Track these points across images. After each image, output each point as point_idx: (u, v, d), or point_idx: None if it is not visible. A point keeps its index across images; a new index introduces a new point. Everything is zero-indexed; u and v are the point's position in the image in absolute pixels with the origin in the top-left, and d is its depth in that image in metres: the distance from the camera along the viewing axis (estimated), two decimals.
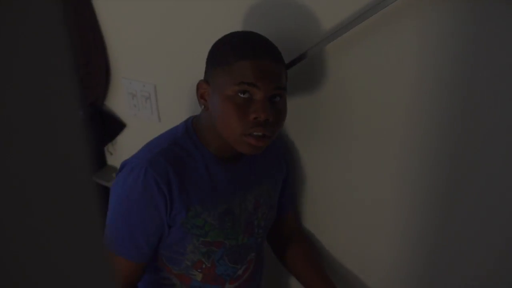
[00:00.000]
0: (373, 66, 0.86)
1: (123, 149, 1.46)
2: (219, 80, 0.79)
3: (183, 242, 0.85)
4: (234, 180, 0.90)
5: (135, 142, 1.38)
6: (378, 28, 0.82)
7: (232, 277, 0.95)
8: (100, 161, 1.51)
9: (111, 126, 1.41)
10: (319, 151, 1.03)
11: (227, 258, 0.92)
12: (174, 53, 1.16)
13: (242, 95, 0.77)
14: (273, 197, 1.01)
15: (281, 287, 1.29)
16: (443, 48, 0.77)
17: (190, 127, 0.88)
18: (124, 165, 0.84)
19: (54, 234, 0.21)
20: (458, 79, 0.78)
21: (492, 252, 0.87)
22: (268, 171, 0.99)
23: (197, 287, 0.92)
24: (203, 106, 0.85)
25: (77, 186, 0.22)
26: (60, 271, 0.22)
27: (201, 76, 1.17)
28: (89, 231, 0.23)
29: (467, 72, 0.77)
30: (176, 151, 0.83)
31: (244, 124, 0.77)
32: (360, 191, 0.99)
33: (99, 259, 0.24)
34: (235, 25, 0.99)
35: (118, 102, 1.37)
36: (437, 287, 0.99)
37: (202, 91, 0.84)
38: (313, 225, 1.15)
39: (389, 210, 0.98)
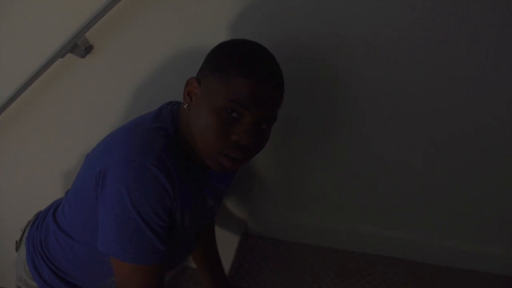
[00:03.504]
0: None
1: None
2: (213, 87, 0.74)
3: None
4: (202, 186, 0.88)
5: None
6: None
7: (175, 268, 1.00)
8: None
9: None
10: None
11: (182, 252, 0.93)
12: None
13: (230, 113, 0.73)
14: (222, 199, 1.04)
15: None
16: None
17: (176, 120, 0.81)
18: (106, 167, 0.72)
19: None
20: None
21: None
22: (227, 176, 1.00)
23: None
24: (186, 105, 0.79)
25: None
26: None
27: (33, 39, 1.11)
28: None
29: None
30: (172, 150, 0.76)
31: (223, 143, 0.74)
32: None
33: None
34: None
35: None
36: None
37: (190, 89, 0.78)
38: None
39: None
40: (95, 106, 1.20)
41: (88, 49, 1.08)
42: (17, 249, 1.06)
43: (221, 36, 0.98)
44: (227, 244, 1.20)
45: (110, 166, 0.72)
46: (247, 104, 0.72)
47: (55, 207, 1.00)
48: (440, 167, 1.09)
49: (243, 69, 0.72)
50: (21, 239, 1.05)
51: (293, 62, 0.98)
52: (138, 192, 0.70)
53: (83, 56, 1.08)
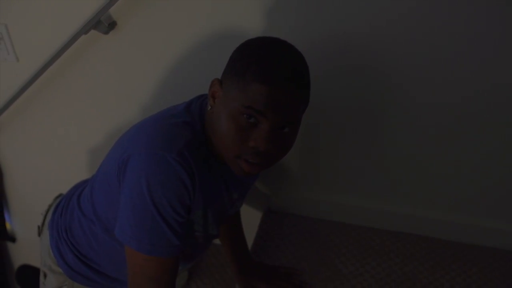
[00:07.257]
0: None
1: None
2: (231, 90, 0.71)
3: None
4: (227, 181, 0.88)
5: None
6: None
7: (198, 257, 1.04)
8: None
9: None
10: None
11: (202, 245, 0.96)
12: None
13: (248, 118, 0.70)
14: (248, 191, 1.03)
15: None
16: None
17: (204, 116, 0.80)
18: (129, 157, 0.73)
19: None
20: None
21: None
22: None
23: None
24: (209, 107, 0.77)
25: None
26: None
27: (57, 16, 1.10)
28: None
29: None
30: (197, 146, 0.76)
31: (241, 149, 0.72)
32: None
33: None
34: None
35: None
36: None
37: (214, 91, 0.76)
38: None
39: None
40: (118, 83, 1.20)
41: (112, 25, 1.07)
42: (39, 234, 1.06)
43: (254, 16, 0.96)
44: (250, 220, 1.21)
45: (132, 156, 0.73)
46: (263, 111, 0.68)
47: (79, 192, 1.00)
48: (463, 146, 1.08)
49: (259, 74, 0.68)
50: (42, 223, 1.06)
51: (316, 52, 0.97)
52: (157, 185, 0.70)
53: (106, 33, 1.07)
